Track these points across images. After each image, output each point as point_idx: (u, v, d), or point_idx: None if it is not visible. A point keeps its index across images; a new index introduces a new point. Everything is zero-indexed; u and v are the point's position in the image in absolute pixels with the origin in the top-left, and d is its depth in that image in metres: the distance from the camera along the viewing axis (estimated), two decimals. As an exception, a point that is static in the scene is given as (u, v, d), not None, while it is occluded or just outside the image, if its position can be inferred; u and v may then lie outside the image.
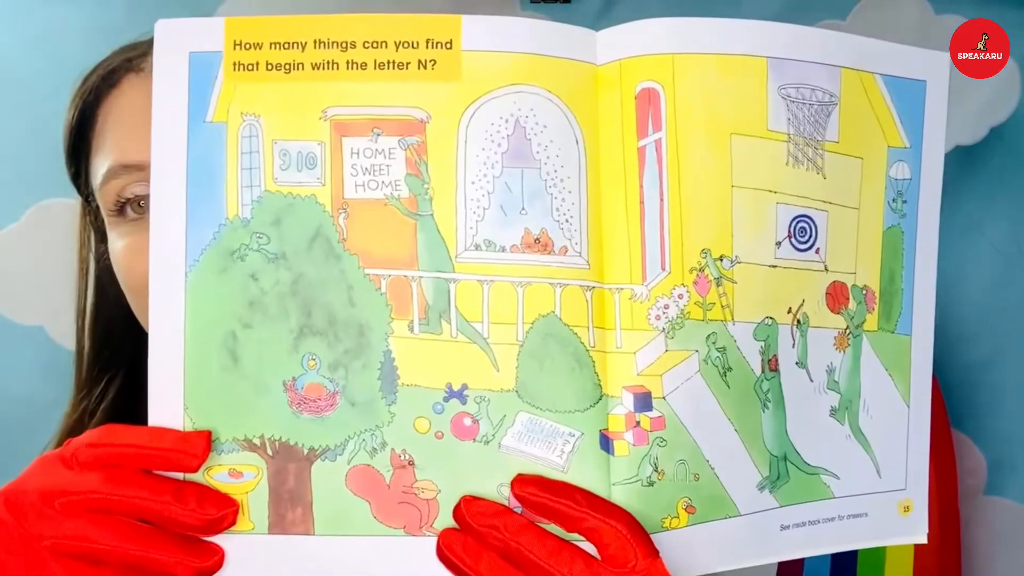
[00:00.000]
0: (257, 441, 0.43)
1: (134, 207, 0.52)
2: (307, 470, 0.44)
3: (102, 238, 0.60)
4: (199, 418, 0.43)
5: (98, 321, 0.64)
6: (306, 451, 0.43)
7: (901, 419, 0.52)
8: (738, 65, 0.46)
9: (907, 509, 0.52)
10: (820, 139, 0.48)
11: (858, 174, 0.49)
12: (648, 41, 0.45)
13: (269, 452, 0.43)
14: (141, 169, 0.50)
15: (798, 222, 0.47)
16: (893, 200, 0.51)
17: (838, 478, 0.50)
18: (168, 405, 0.43)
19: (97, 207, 0.58)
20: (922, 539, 0.52)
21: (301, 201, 0.43)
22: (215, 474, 0.43)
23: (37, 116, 0.58)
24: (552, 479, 0.43)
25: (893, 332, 0.51)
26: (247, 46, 0.42)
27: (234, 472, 0.43)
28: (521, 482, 0.42)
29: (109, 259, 0.57)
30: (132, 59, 0.56)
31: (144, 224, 0.50)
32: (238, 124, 0.43)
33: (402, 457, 0.43)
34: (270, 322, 0.43)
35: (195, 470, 0.42)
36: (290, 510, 0.44)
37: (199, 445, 0.42)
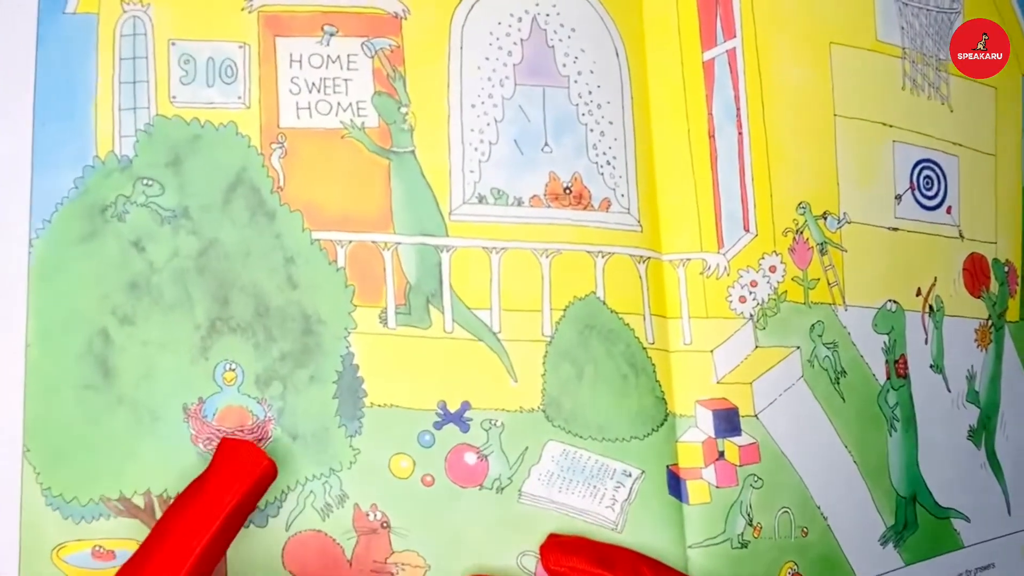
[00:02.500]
0: (140, 500, 0.28)
1: None
2: (223, 543, 0.28)
3: None
4: (47, 467, 0.28)
5: None
6: (221, 513, 0.28)
7: (1038, 440, 0.39)
8: None
9: None
10: (943, 58, 0.35)
11: (991, 109, 0.37)
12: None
13: (159, 517, 0.28)
14: None
15: (922, 168, 0.34)
16: None
17: (968, 520, 0.37)
18: None
19: None
20: None
21: (213, 131, 0.29)
22: (70, 556, 0.28)
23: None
24: (602, 543, 0.28)
25: None
26: None
27: (101, 551, 0.28)
28: (555, 549, 0.29)
29: None
30: None
31: None
32: (116, 16, 0.30)
33: (371, 516, 0.29)
34: (163, 314, 0.29)
35: None
36: (194, 608, 0.28)
37: None
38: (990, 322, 0.37)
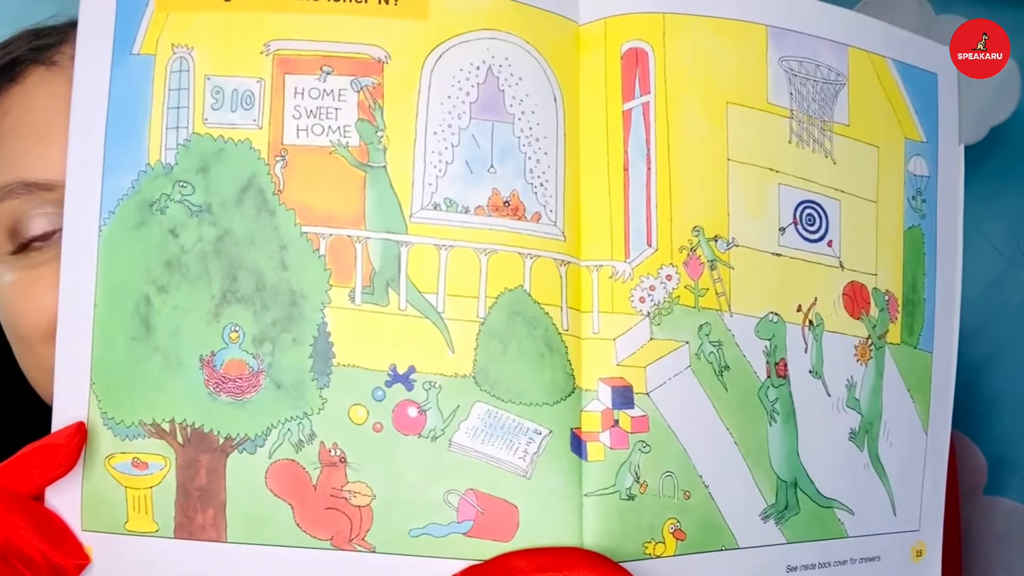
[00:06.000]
0: (167, 426, 0.36)
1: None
2: (222, 463, 0.36)
3: None
4: (105, 396, 0.37)
5: None
6: (222, 440, 0.36)
7: (919, 449, 0.45)
8: (735, 30, 0.42)
9: (920, 553, 0.45)
10: (827, 120, 0.43)
11: (874, 164, 0.44)
12: (636, -3, 0.40)
13: (180, 440, 0.36)
14: (49, 190, 0.40)
15: (805, 208, 0.42)
16: (913, 197, 0.45)
17: (853, 514, 0.43)
18: (74, 380, 0.37)
19: None
20: None
21: (233, 146, 0.37)
22: (117, 463, 0.36)
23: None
24: (482, 562, 0.36)
25: (916, 347, 0.45)
26: None
27: (138, 462, 0.36)
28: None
29: None
30: (41, 48, 0.45)
31: (46, 255, 0.41)
32: (167, 56, 0.38)
33: (332, 453, 0.36)
34: (189, 285, 0.37)
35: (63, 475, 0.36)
36: (200, 511, 0.36)
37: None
38: (870, 341, 0.43)
